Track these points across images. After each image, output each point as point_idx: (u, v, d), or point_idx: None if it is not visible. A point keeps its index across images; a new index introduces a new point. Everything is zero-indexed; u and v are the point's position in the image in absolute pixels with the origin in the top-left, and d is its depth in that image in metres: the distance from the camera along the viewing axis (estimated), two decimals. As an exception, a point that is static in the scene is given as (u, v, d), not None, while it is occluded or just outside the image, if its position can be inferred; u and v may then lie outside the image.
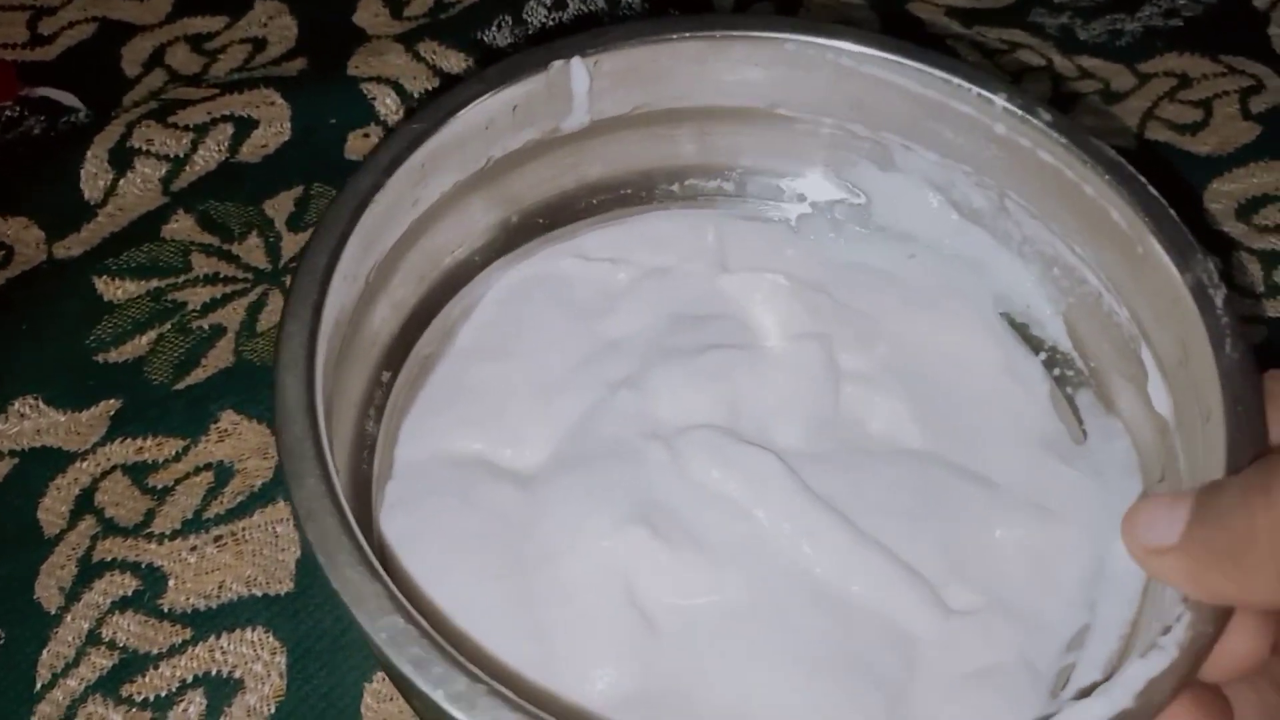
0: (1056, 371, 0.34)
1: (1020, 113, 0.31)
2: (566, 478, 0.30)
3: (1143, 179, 0.30)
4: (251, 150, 0.44)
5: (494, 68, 0.31)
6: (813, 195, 0.37)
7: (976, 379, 0.33)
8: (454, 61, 0.47)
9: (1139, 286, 0.30)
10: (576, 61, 0.32)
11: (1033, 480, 0.31)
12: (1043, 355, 0.34)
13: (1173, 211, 0.29)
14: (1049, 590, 0.30)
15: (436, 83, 0.47)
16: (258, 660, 0.32)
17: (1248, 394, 0.26)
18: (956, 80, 0.32)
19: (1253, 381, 0.26)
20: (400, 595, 0.23)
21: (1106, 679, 0.27)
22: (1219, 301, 0.27)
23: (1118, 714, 0.22)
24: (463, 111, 0.30)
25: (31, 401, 0.38)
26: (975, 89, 0.32)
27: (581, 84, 0.32)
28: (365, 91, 0.46)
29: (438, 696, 0.21)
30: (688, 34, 0.33)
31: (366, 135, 0.45)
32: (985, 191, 0.34)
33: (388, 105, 0.46)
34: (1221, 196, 0.45)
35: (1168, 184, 0.30)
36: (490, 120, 0.31)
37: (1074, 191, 0.31)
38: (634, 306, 0.34)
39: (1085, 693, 0.27)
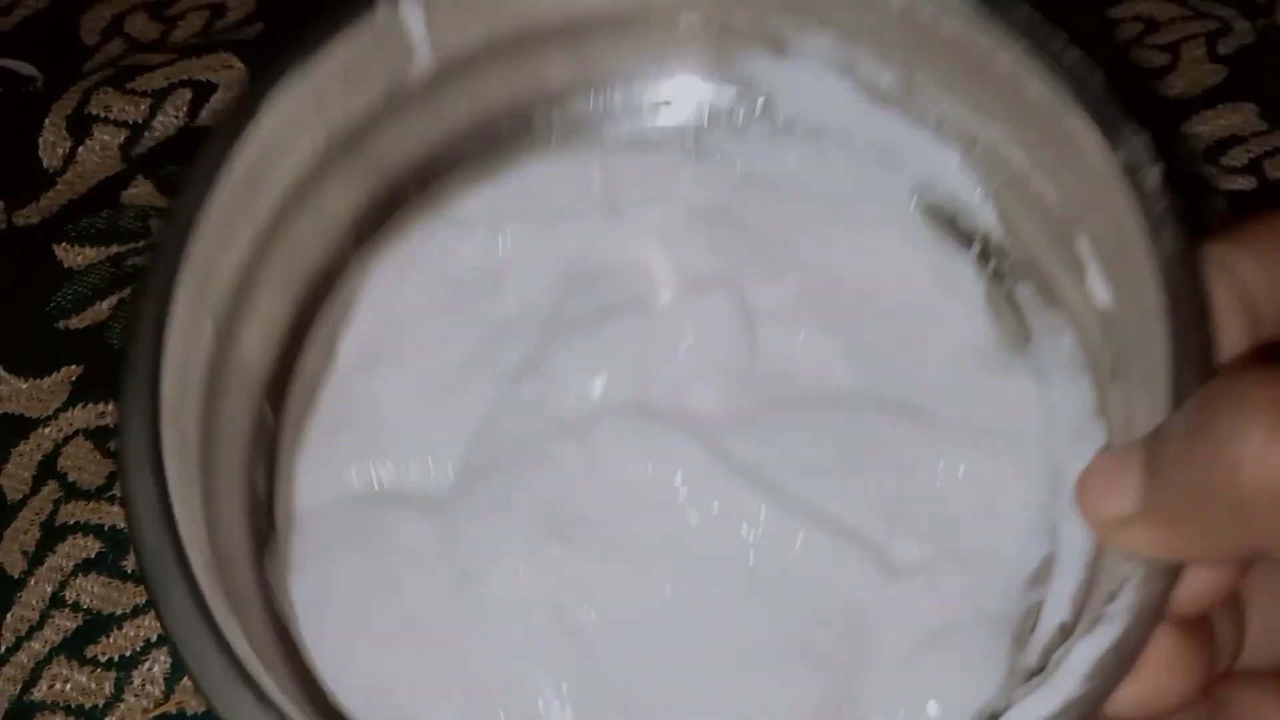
0: (992, 264, 0.31)
1: None
2: (475, 497, 0.28)
3: (1064, 38, 0.26)
4: (211, 115, 0.44)
5: (302, 34, 0.27)
6: (709, 100, 0.33)
7: (903, 292, 0.31)
8: (414, 23, 0.47)
9: (1067, 165, 0.27)
10: None
11: (973, 400, 0.29)
12: (975, 248, 0.31)
13: (1100, 77, 0.26)
14: (1003, 524, 0.28)
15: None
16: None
17: (1188, 292, 0.23)
18: None
19: (1194, 278, 0.23)
20: (284, 705, 0.21)
21: (1075, 616, 0.25)
22: (1152, 183, 0.24)
23: (1064, 704, 0.21)
24: (279, 98, 0.26)
25: (-8, 369, 0.38)
26: None
27: (417, 22, 0.28)
28: (324, 53, 0.45)
29: None
30: None
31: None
32: (892, 70, 0.30)
33: (347, 65, 0.45)
34: (1189, 139, 0.44)
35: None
36: (319, 94, 0.27)
37: (986, 63, 0.28)
38: (522, 275, 0.31)
39: (1059, 636, 0.26)
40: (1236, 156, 0.44)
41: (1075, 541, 0.27)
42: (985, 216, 0.31)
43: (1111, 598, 0.21)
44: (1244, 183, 0.43)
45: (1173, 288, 0.23)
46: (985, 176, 0.30)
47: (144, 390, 0.24)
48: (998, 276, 0.31)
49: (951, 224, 0.31)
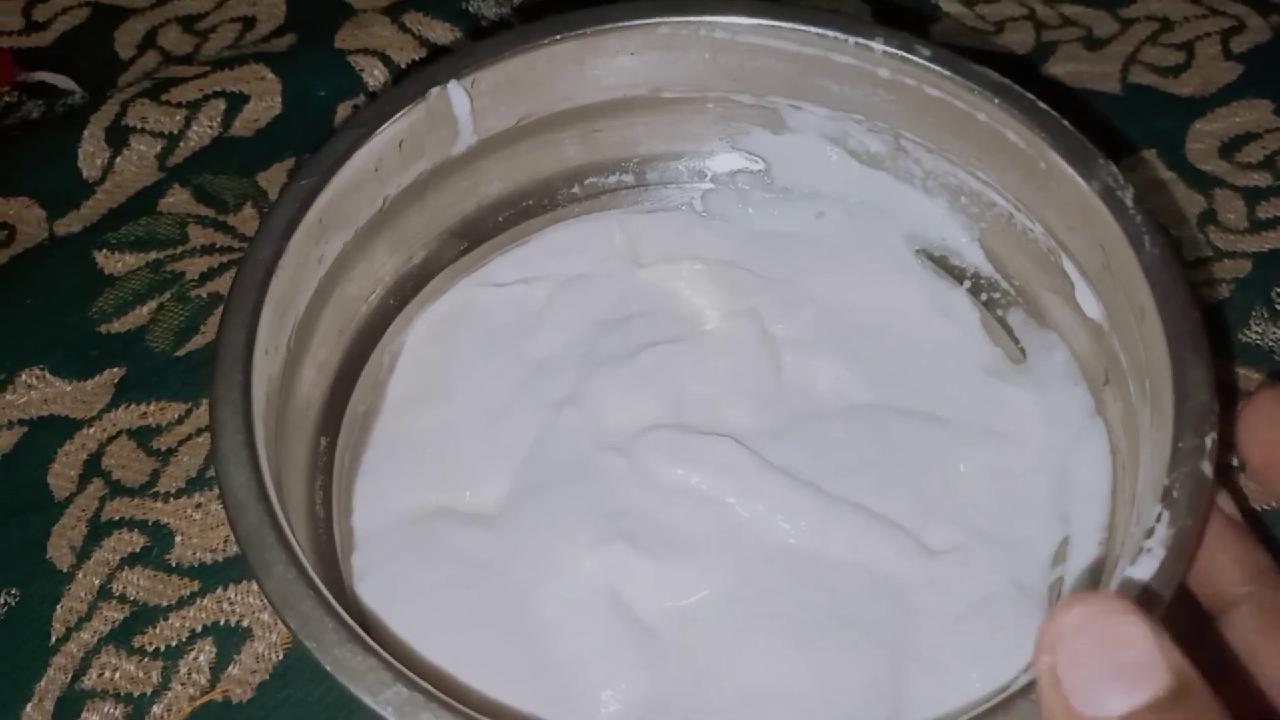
0: (984, 296, 0.34)
1: (900, 53, 0.31)
2: (531, 509, 0.30)
3: (1031, 96, 0.30)
4: (244, 124, 0.45)
5: (369, 107, 0.31)
6: (712, 171, 0.37)
7: (907, 322, 0.34)
8: (440, 32, 0.48)
9: (1048, 200, 0.31)
10: (453, 85, 0.31)
11: (982, 408, 0.32)
12: (967, 284, 0.34)
13: (1067, 123, 0.29)
14: (1022, 511, 0.30)
15: (423, 53, 0.47)
16: (264, 610, 0.33)
17: (1175, 285, 0.26)
18: (832, 33, 0.32)
19: (1177, 272, 0.27)
20: (396, 663, 0.22)
21: (1097, 586, 0.28)
22: (1129, 201, 0.28)
23: None
24: (350, 159, 0.30)
25: (38, 372, 0.39)
26: (852, 38, 0.32)
27: (463, 106, 0.32)
28: (353, 63, 0.46)
29: None
30: (559, 36, 0.32)
31: (356, 106, 0.46)
32: (880, 136, 0.34)
33: (375, 76, 0.46)
34: (1204, 136, 0.45)
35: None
36: (379, 161, 0.31)
37: (967, 120, 0.31)
38: (557, 321, 0.34)
39: None
40: (1252, 153, 0.44)
41: (1088, 523, 0.29)
42: (973, 255, 0.34)
43: (1148, 534, 0.23)
44: (1259, 179, 0.43)
45: (1160, 284, 0.26)
46: (971, 221, 0.34)
47: (237, 385, 0.26)
48: (990, 305, 0.34)
49: (944, 263, 0.35)
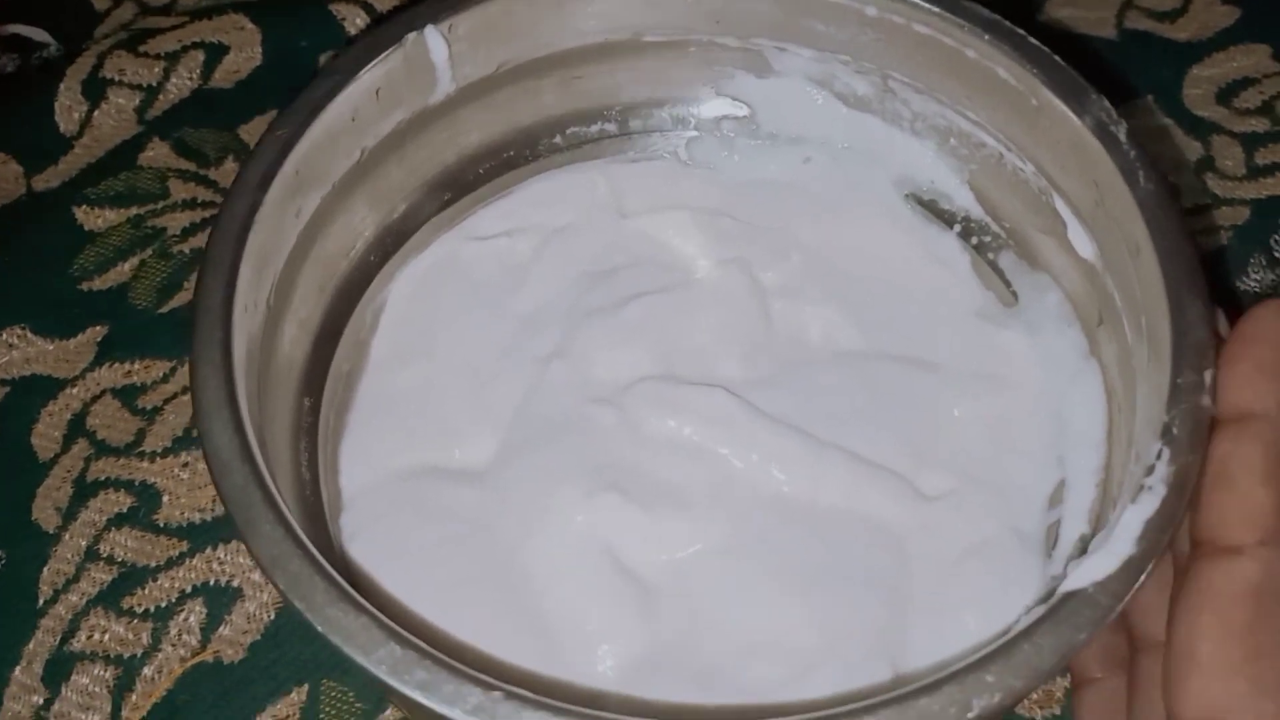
0: (974, 240, 0.34)
1: None
2: (521, 464, 0.30)
3: (1022, 32, 0.30)
4: (224, 76, 0.44)
5: (345, 54, 0.30)
6: (697, 117, 0.36)
7: (896, 267, 0.33)
8: (423, -22, 0.47)
9: (1039, 138, 0.30)
10: (430, 30, 0.30)
11: (974, 353, 0.32)
12: (957, 227, 0.34)
13: (1058, 58, 0.29)
14: (1017, 455, 0.30)
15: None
16: (255, 570, 0.33)
17: (1170, 221, 0.26)
18: None
19: (1172, 207, 0.26)
20: (389, 621, 0.22)
21: (1094, 529, 0.28)
22: (1122, 136, 0.27)
23: (1123, 562, 0.22)
24: (326, 108, 0.29)
25: (20, 332, 0.38)
26: None
27: (440, 52, 0.31)
28: (335, 12, 0.45)
29: (455, 714, 0.21)
30: None
31: (338, 56, 0.45)
32: (867, 77, 0.33)
33: (357, 25, 0.45)
34: (1201, 82, 0.44)
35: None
36: (355, 111, 0.30)
37: (956, 58, 0.31)
38: (542, 275, 0.33)
39: (1080, 547, 0.28)
40: (1249, 99, 0.43)
41: (1084, 466, 0.29)
42: (963, 198, 0.34)
43: (1148, 472, 0.23)
44: (1257, 124, 0.43)
45: (1155, 220, 0.26)
46: (961, 163, 0.33)
47: (217, 343, 0.25)
48: (981, 249, 0.34)
49: (933, 207, 0.34)
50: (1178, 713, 0.21)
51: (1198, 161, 0.41)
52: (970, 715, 0.21)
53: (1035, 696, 0.31)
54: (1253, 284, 0.38)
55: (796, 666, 0.27)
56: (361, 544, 0.28)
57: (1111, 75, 0.44)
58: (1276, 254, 0.39)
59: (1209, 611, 0.21)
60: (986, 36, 0.30)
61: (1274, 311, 0.24)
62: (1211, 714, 0.21)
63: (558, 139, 0.36)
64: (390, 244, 0.33)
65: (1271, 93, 0.43)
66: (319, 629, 0.22)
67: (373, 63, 0.30)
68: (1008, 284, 0.33)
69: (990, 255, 0.33)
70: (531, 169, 0.35)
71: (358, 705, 0.31)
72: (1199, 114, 0.43)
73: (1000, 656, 0.21)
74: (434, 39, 0.31)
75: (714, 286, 0.33)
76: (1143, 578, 0.22)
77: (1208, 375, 0.24)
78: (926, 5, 0.30)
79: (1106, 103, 0.28)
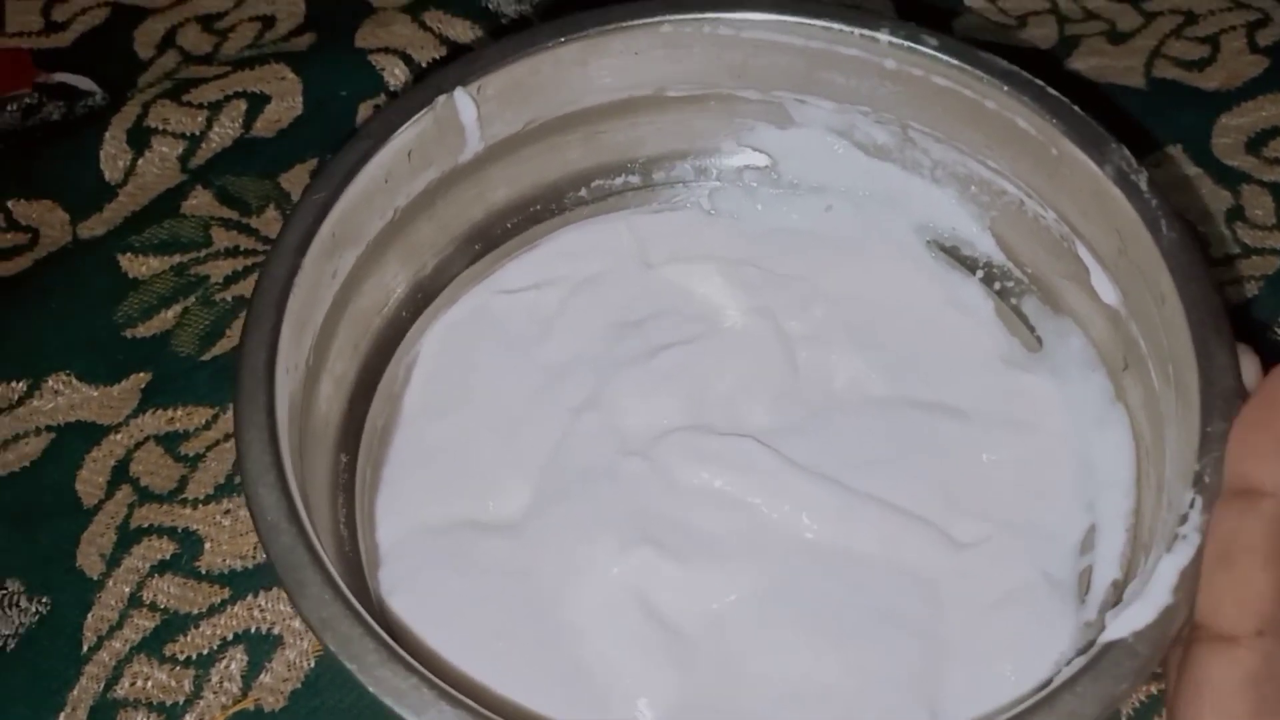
0: (997, 286, 0.34)
1: (907, 44, 0.31)
2: (555, 515, 0.30)
3: (1040, 82, 0.30)
4: (265, 125, 0.45)
5: (376, 118, 0.31)
6: (719, 168, 0.36)
7: (920, 314, 0.34)
8: (460, 29, 0.48)
9: (1060, 187, 0.30)
10: (459, 92, 0.31)
11: (1001, 398, 0.32)
12: (979, 273, 0.34)
13: (1078, 108, 0.29)
14: (1047, 501, 0.30)
15: (444, 51, 0.47)
16: (295, 618, 0.33)
17: (1194, 269, 0.26)
18: (838, 26, 0.32)
19: (1196, 255, 0.26)
20: (438, 680, 0.22)
21: (1126, 574, 0.28)
22: (1144, 185, 0.28)
23: (1161, 612, 0.22)
24: (360, 171, 0.29)
25: (65, 378, 0.39)
26: (857, 30, 0.32)
27: (469, 113, 0.32)
28: (374, 62, 0.46)
29: None
30: (562, 38, 0.32)
31: (377, 106, 0.46)
32: (887, 127, 0.34)
33: (396, 75, 0.46)
34: (1230, 131, 0.45)
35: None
36: (388, 172, 0.31)
37: (976, 109, 0.31)
38: (571, 326, 0.34)
39: (1113, 593, 0.28)
40: (1278, 148, 0.44)
41: (1114, 511, 0.29)
42: (985, 244, 0.34)
43: (1182, 520, 0.23)
44: (1287, 174, 0.43)
45: (1180, 268, 0.26)
46: (981, 210, 0.34)
47: (261, 406, 0.26)
48: (1004, 294, 0.34)
49: (955, 254, 0.35)
50: None
51: (1227, 211, 0.42)
52: None
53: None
54: (1285, 333, 0.38)
55: (834, 716, 0.27)
56: (400, 598, 0.29)
57: (1140, 124, 0.45)
58: (1308, 304, 0.39)
59: (1209, 704, 0.21)
60: (1005, 88, 0.30)
61: None
62: None
63: (583, 192, 0.36)
64: (421, 299, 0.34)
65: (1300, 142, 0.43)
66: (371, 690, 0.22)
67: (405, 125, 0.30)
68: (1032, 329, 0.33)
69: (1013, 301, 0.34)
70: (558, 222, 0.36)
71: (397, 755, 0.31)
72: (1228, 163, 0.43)
73: (1044, 707, 0.22)
74: (463, 100, 0.31)
75: (740, 336, 0.33)
76: (1180, 626, 0.23)
77: None
78: (945, 58, 0.31)
79: (1127, 152, 0.29)
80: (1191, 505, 0.23)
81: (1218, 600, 0.22)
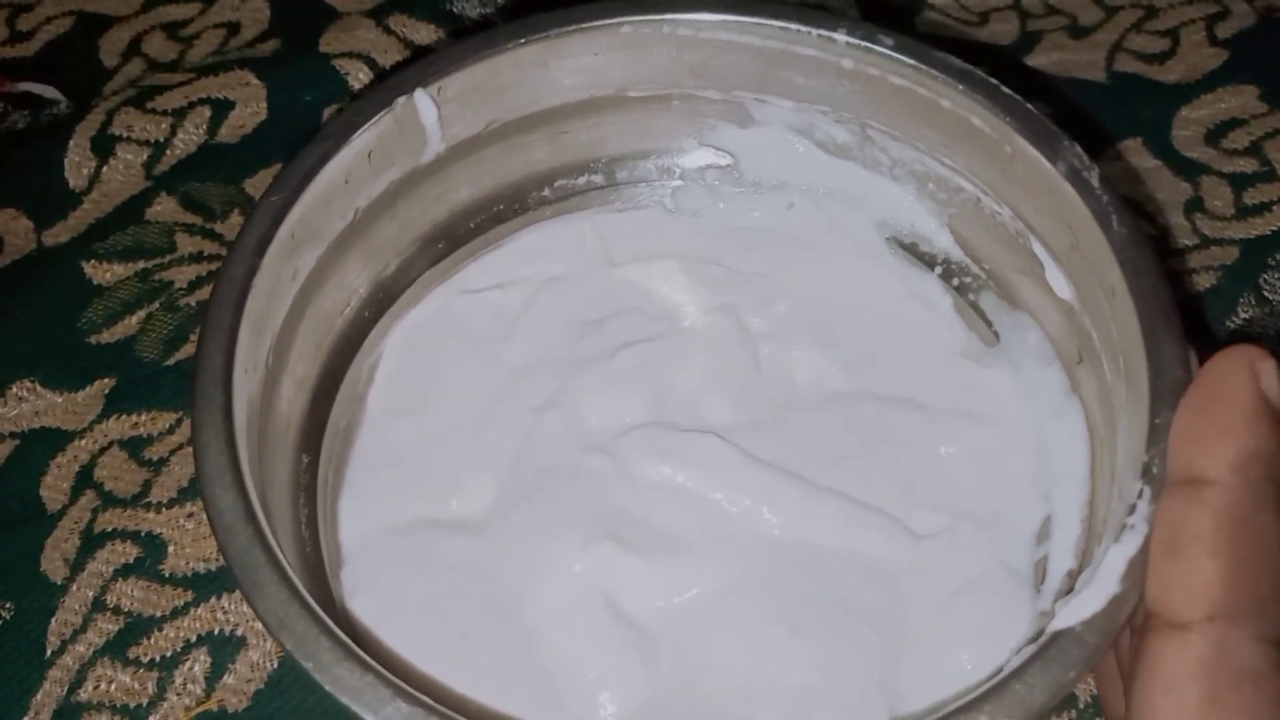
0: (955, 281, 0.34)
1: (863, 44, 0.32)
2: (518, 514, 0.30)
3: (995, 81, 0.30)
4: (230, 131, 0.45)
5: (336, 120, 0.31)
6: (681, 168, 0.37)
7: (880, 310, 0.34)
8: (424, 34, 0.48)
9: (1014, 183, 0.31)
10: (419, 93, 0.31)
11: (959, 391, 0.32)
12: (938, 269, 0.35)
13: (1031, 106, 0.30)
14: (1005, 492, 0.30)
15: (408, 55, 0.47)
16: (258, 619, 0.33)
17: (1144, 263, 0.27)
18: (795, 26, 0.32)
19: (1146, 250, 0.27)
20: (394, 678, 0.22)
21: (1080, 564, 0.28)
22: (1095, 182, 0.28)
23: (1109, 601, 0.23)
24: (320, 173, 0.30)
25: (29, 385, 0.39)
26: (815, 30, 0.32)
27: (430, 114, 0.32)
28: (338, 67, 0.46)
29: None
30: (523, 40, 0.32)
31: (342, 110, 0.46)
32: (846, 126, 0.34)
33: (360, 79, 0.46)
34: (1190, 123, 0.45)
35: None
36: (349, 173, 0.31)
37: (932, 107, 0.32)
38: (534, 325, 0.34)
39: (1068, 582, 0.28)
40: (1237, 139, 0.44)
41: (1069, 501, 0.30)
42: (943, 241, 0.34)
43: (1130, 510, 0.24)
44: (1245, 165, 0.43)
45: (1129, 262, 0.27)
46: (939, 207, 0.34)
47: (218, 408, 0.26)
48: (962, 290, 0.35)
49: (914, 250, 0.35)
50: None
51: (1186, 202, 0.42)
52: None
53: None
54: (1241, 323, 0.38)
55: (796, 708, 0.27)
56: (362, 599, 0.29)
57: (1101, 117, 0.45)
58: (1265, 293, 0.39)
59: (1161, 690, 0.21)
60: (960, 86, 0.31)
61: (1237, 362, 0.23)
62: None
63: (546, 192, 0.36)
64: (384, 300, 0.34)
65: (1259, 133, 0.44)
66: (326, 688, 0.22)
67: (364, 126, 0.31)
68: (989, 324, 0.34)
69: (971, 296, 0.34)
70: (521, 222, 0.36)
71: (360, 755, 0.31)
72: (1188, 155, 0.44)
73: (993, 696, 0.22)
74: (423, 102, 0.32)
75: (703, 333, 0.34)
76: (1129, 615, 0.23)
77: None
78: (901, 57, 0.31)
79: (1079, 149, 0.29)
80: (1140, 495, 0.24)
81: (1168, 588, 0.22)
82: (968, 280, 0.34)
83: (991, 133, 0.31)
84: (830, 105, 0.34)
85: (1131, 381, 0.26)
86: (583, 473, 0.30)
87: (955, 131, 0.32)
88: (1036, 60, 0.48)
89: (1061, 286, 0.30)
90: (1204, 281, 0.40)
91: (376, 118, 0.31)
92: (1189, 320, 0.26)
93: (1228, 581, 0.21)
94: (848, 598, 0.29)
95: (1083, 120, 0.45)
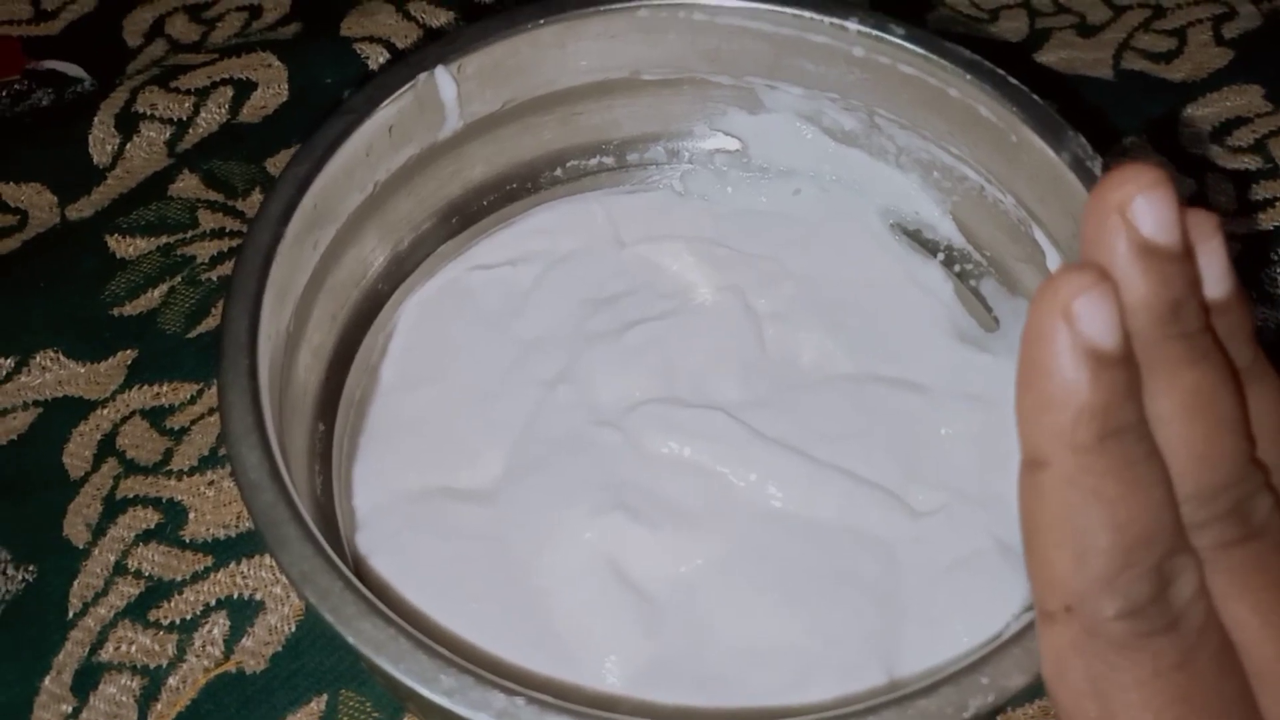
0: (957, 268, 0.35)
1: (874, 32, 0.32)
2: (528, 484, 0.31)
3: (1002, 72, 0.31)
4: (251, 111, 0.46)
5: (360, 93, 0.31)
6: (691, 151, 0.37)
7: (883, 294, 0.35)
8: (443, 18, 0.49)
9: (1018, 172, 0.32)
10: (440, 70, 0.32)
11: (959, 374, 0.33)
12: (940, 256, 0.35)
13: (1036, 97, 0.30)
14: (1002, 472, 0.31)
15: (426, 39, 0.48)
16: (277, 584, 0.34)
17: None
18: (808, 14, 0.33)
19: None
20: (416, 632, 0.23)
21: None
22: (1098, 171, 0.29)
23: None
24: (343, 145, 0.30)
25: (52, 355, 0.39)
26: (828, 19, 0.33)
27: (449, 91, 0.32)
28: (359, 50, 0.47)
29: (481, 719, 0.22)
30: (542, 20, 0.33)
31: (363, 85, 0.46)
32: (854, 114, 0.35)
33: (380, 63, 0.47)
34: (1195, 121, 0.46)
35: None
36: (370, 147, 0.31)
37: (939, 96, 0.32)
38: (545, 301, 0.35)
39: None
40: (1242, 137, 0.45)
41: None
42: (946, 228, 0.35)
43: None
44: (1249, 162, 0.44)
45: None
46: (943, 195, 0.35)
47: (244, 370, 0.26)
48: (963, 276, 0.35)
49: (918, 237, 0.36)
50: None
51: (1190, 198, 0.43)
52: (966, 715, 0.22)
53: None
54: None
55: (796, 672, 0.28)
56: (379, 558, 0.30)
57: (1107, 114, 0.46)
58: (1268, 288, 0.40)
59: (1054, 679, 0.21)
60: (968, 76, 0.31)
61: (1049, 311, 0.19)
62: None
63: (558, 172, 0.37)
64: (398, 273, 0.35)
65: (1263, 131, 0.45)
66: (349, 640, 0.23)
67: (386, 101, 0.31)
68: (989, 309, 0.35)
69: (972, 282, 0.35)
70: (533, 200, 0.37)
71: (375, 715, 0.32)
72: (1193, 152, 0.44)
73: (993, 659, 0.23)
74: (444, 79, 0.32)
75: (710, 312, 0.34)
76: None
77: None
78: (911, 47, 0.32)
79: (1083, 139, 0.30)
80: None
81: (1032, 580, 0.21)
82: (969, 267, 0.35)
83: (998, 122, 0.31)
84: (839, 92, 0.35)
85: None
86: (593, 445, 0.31)
87: (962, 120, 0.32)
88: (1045, 57, 0.48)
89: None
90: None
91: (399, 93, 0.31)
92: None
93: (1076, 570, 0.20)
94: (847, 569, 0.29)
95: (1090, 117, 0.45)
